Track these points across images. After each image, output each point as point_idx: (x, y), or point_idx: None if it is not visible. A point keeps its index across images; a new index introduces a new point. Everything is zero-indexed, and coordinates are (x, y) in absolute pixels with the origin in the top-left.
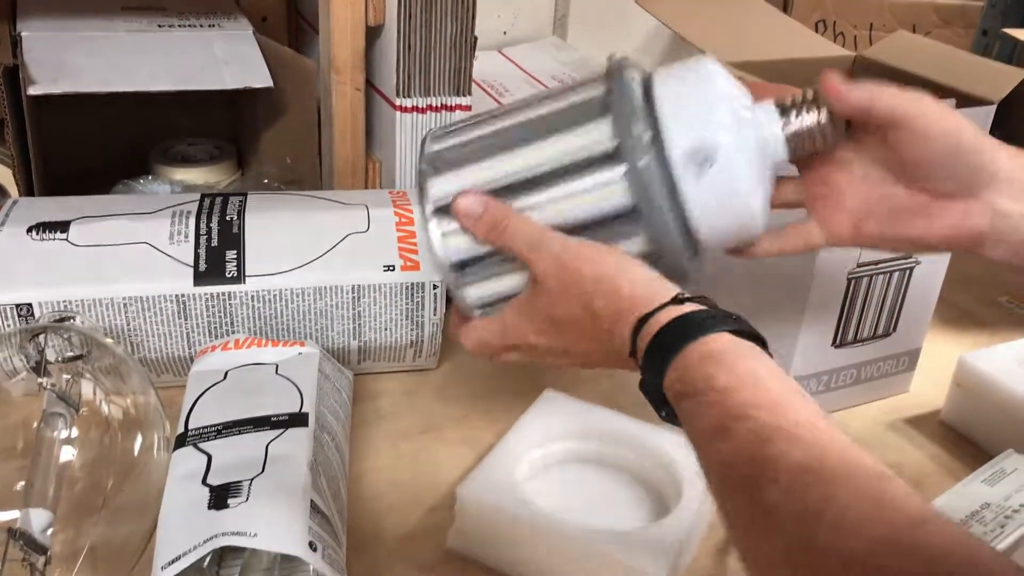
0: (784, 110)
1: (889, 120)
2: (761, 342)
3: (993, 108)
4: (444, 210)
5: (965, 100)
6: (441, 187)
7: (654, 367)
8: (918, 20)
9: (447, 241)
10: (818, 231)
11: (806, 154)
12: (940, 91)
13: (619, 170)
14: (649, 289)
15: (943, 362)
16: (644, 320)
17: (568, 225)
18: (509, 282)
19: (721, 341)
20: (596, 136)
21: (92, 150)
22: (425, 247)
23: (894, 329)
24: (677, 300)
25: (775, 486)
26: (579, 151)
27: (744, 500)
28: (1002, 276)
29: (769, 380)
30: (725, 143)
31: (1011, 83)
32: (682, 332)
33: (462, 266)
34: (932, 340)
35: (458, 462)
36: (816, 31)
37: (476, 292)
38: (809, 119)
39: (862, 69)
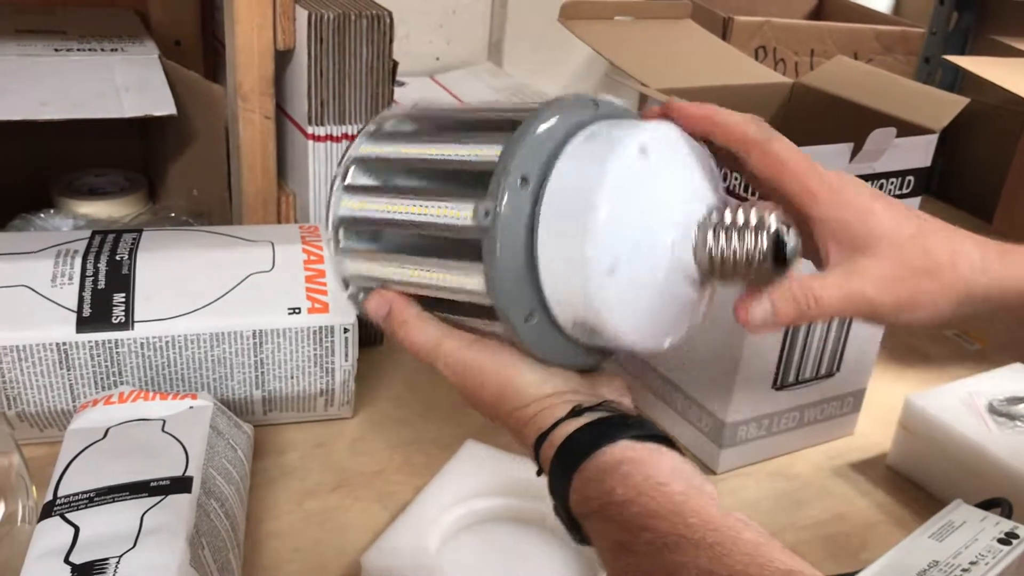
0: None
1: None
2: (665, 440)
3: (935, 137)
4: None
5: (907, 128)
6: (346, 203)
7: (558, 489)
8: (859, 47)
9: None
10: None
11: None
12: (881, 119)
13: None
14: (544, 404)
15: (889, 402)
16: (542, 440)
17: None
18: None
19: (618, 451)
20: (459, 215)
21: None
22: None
23: (838, 369)
24: (574, 413)
25: None
26: (447, 232)
27: None
28: None
29: (670, 483)
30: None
31: (953, 111)
32: (577, 448)
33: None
34: (877, 379)
35: (370, 523)
36: (756, 58)
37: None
38: (733, 250)
39: (801, 95)
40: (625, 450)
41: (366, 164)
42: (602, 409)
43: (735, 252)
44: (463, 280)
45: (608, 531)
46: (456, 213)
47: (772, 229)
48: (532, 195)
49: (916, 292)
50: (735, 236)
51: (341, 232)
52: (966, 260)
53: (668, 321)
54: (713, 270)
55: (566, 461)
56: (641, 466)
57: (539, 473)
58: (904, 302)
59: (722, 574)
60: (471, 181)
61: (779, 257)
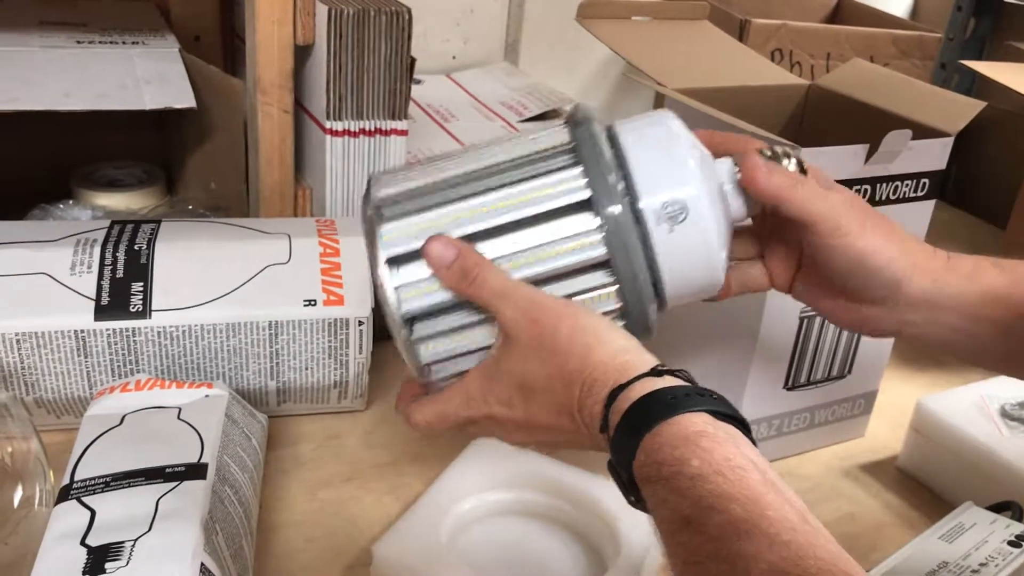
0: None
1: (800, 218)
2: (742, 425)
3: (951, 140)
4: (397, 260)
5: (922, 131)
6: (395, 234)
7: (624, 445)
8: (876, 51)
9: (401, 293)
10: (761, 274)
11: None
12: (897, 121)
13: (594, 220)
14: (624, 358)
15: (900, 405)
16: (617, 392)
17: (536, 277)
18: (470, 338)
19: (697, 422)
20: (568, 185)
21: (9, 172)
22: (371, 296)
23: (849, 371)
24: (655, 372)
25: None
26: (549, 199)
27: None
28: None
29: (748, 471)
30: (695, 199)
31: (969, 115)
32: (656, 409)
33: (415, 319)
34: (889, 382)
35: (382, 514)
36: (772, 60)
37: (431, 349)
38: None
39: (817, 97)
40: (707, 423)
41: (398, 224)
42: (681, 376)
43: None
44: (562, 184)
45: (673, 502)
46: (564, 185)
47: (796, 157)
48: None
49: (874, 218)
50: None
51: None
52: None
53: (724, 258)
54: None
55: (640, 418)
56: (721, 445)
57: (603, 429)
58: (865, 219)
59: (793, 574)
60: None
61: (803, 170)
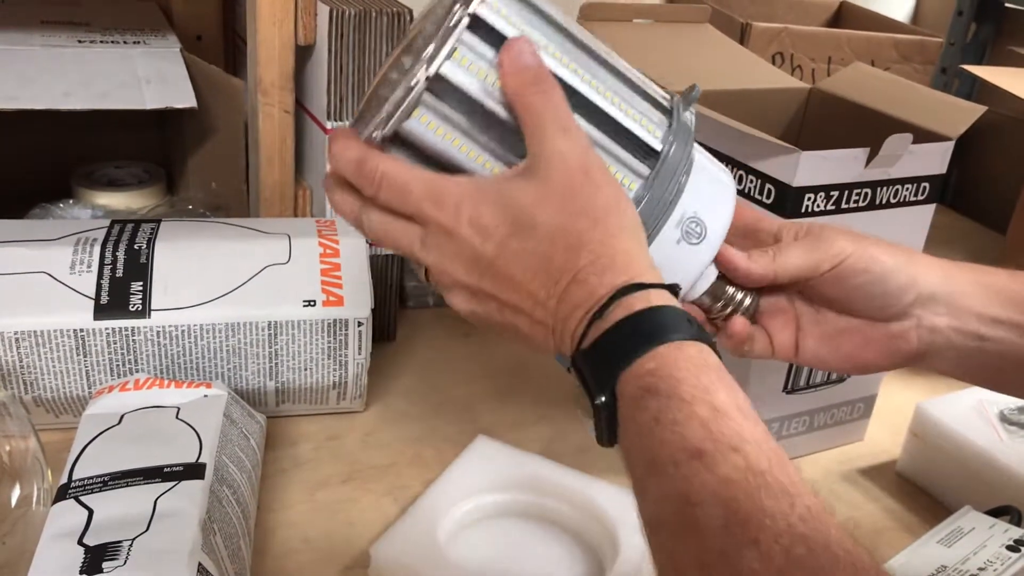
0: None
1: (798, 278)
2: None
3: (951, 144)
4: (478, 25)
5: (923, 136)
6: (501, 5)
7: (624, 345)
8: (877, 55)
9: (457, 53)
10: (764, 342)
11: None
12: (898, 125)
13: (645, 170)
14: (648, 260)
15: (900, 409)
16: (636, 287)
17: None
18: (470, 153)
19: (714, 356)
20: (649, 129)
21: (10, 171)
22: (371, 296)
23: (848, 374)
24: (672, 290)
25: (755, 549)
26: (633, 124)
27: (703, 546)
28: None
29: (759, 421)
30: (713, 234)
31: (970, 119)
32: (678, 324)
33: (442, 90)
34: (888, 386)
35: (380, 515)
36: (773, 63)
37: (423, 124)
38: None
39: (818, 101)
40: (720, 362)
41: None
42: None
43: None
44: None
45: (688, 429)
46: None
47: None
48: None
49: (861, 237)
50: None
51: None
52: None
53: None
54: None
55: (659, 326)
56: (741, 391)
57: (596, 315)
58: (851, 239)
59: (808, 553)
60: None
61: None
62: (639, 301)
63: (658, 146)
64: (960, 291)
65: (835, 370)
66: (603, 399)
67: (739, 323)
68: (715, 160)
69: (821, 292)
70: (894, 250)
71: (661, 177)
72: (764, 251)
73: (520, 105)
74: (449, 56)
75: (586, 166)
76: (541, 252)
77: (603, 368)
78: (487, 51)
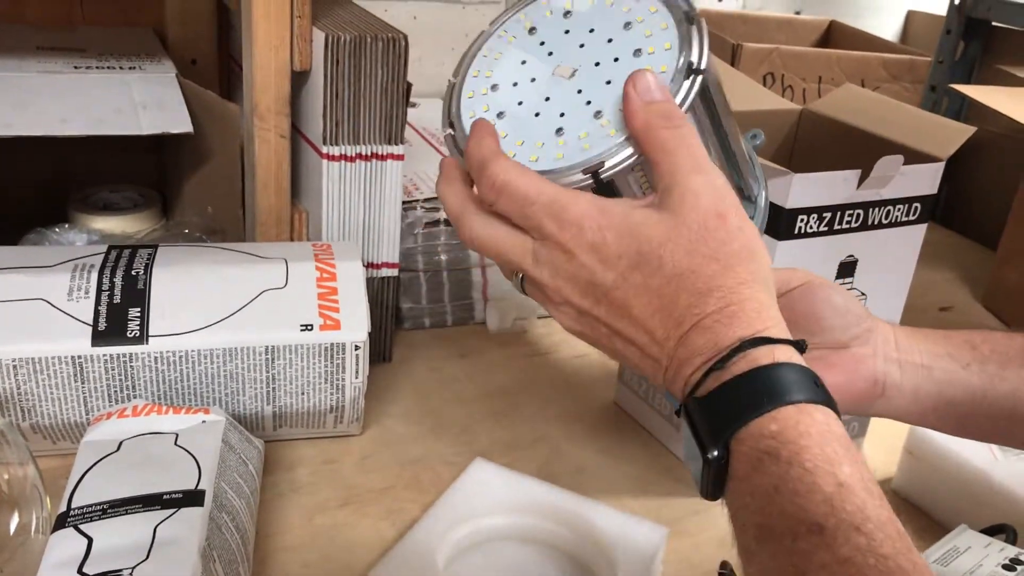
0: None
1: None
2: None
3: (942, 165)
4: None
5: (914, 156)
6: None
7: (745, 400)
8: (867, 74)
9: None
10: None
11: None
12: (888, 146)
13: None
14: (777, 312)
15: (894, 427)
16: (762, 341)
17: None
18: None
19: (836, 423)
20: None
21: (6, 195)
22: (367, 320)
23: None
24: (799, 346)
25: None
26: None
27: None
28: None
29: (884, 498)
30: None
31: (959, 140)
32: (804, 384)
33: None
34: None
35: (378, 539)
36: (764, 84)
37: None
38: None
39: (809, 122)
40: (843, 428)
41: None
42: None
43: None
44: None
45: (808, 500)
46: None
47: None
48: None
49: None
50: None
51: None
52: None
53: None
54: None
55: (784, 384)
56: (860, 459)
57: (717, 365)
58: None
59: None
60: None
61: None
62: (765, 356)
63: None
64: (909, 331)
65: None
66: (715, 453)
67: None
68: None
69: (795, 309)
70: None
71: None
72: None
73: (649, 141)
74: None
75: (721, 209)
76: (665, 291)
77: (719, 421)
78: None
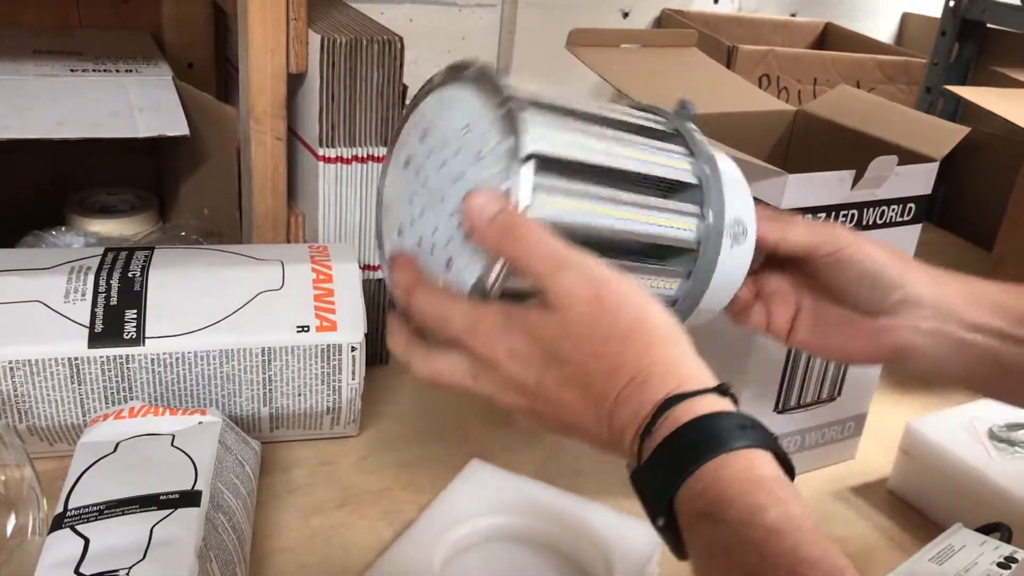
0: None
1: (799, 253)
2: (791, 469)
3: (936, 165)
4: (542, 162)
5: (908, 157)
6: (542, 133)
7: (671, 464)
8: (862, 76)
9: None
10: (760, 315)
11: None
12: (883, 147)
13: (694, 208)
14: (688, 365)
15: (890, 427)
16: (676, 400)
17: (632, 237)
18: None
19: (766, 463)
20: (681, 166)
21: (2, 198)
22: (364, 322)
23: (839, 393)
24: (721, 390)
25: None
26: (667, 170)
27: None
28: None
29: (817, 530)
30: (753, 224)
31: (953, 140)
32: (724, 434)
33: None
34: (878, 404)
35: (375, 540)
36: (760, 86)
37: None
38: None
39: (804, 123)
40: (775, 466)
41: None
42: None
43: None
44: (676, 162)
45: (739, 554)
46: (676, 164)
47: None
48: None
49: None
50: None
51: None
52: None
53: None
54: None
55: (705, 440)
56: (793, 497)
57: (643, 434)
58: (853, 235)
59: None
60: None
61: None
62: (685, 413)
63: (692, 178)
64: (947, 297)
65: (820, 355)
66: (661, 522)
67: (743, 290)
68: (724, 155)
69: (820, 277)
70: (890, 252)
71: (709, 198)
72: (774, 219)
73: (505, 257)
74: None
75: (596, 294)
76: (579, 380)
77: (657, 490)
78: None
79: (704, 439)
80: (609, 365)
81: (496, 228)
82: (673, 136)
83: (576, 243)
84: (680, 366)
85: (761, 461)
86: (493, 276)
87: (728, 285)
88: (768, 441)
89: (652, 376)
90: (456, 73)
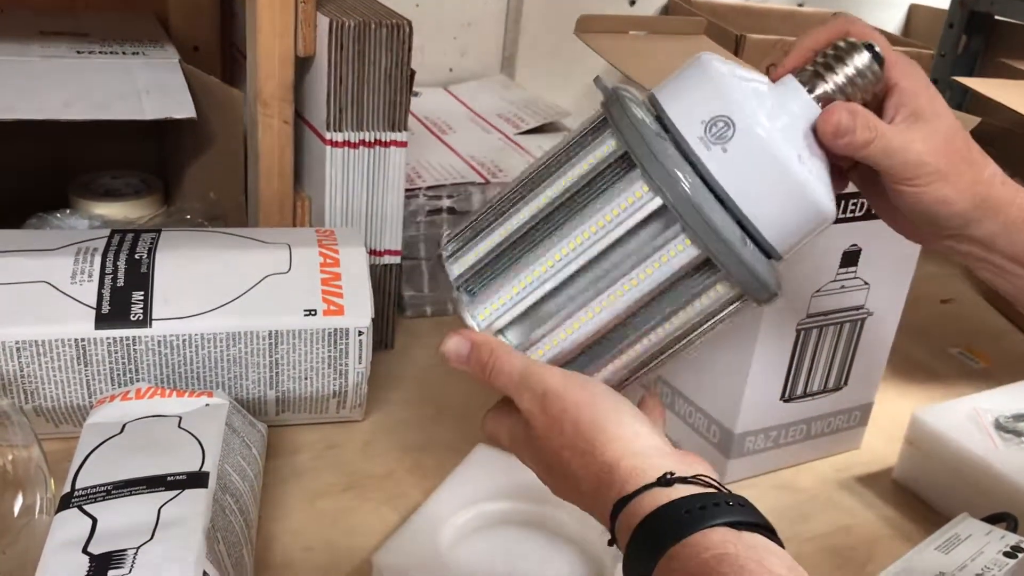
0: (807, 77)
1: (875, 168)
2: (768, 530)
3: None
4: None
5: None
6: (485, 313)
7: (641, 557)
8: None
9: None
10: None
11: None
12: None
13: (675, 227)
14: (632, 461)
15: (896, 417)
16: (621, 505)
17: (645, 296)
18: None
19: (716, 540)
20: (634, 194)
21: (7, 181)
22: (371, 305)
23: (845, 383)
24: (663, 481)
25: None
26: (626, 218)
27: None
28: (955, 327)
29: None
30: (737, 108)
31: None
32: (665, 528)
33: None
34: (884, 394)
35: (380, 524)
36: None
37: None
38: (839, 76)
39: None
40: (727, 540)
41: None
42: (698, 483)
43: (848, 76)
44: (671, 253)
45: None
46: (631, 199)
47: (862, 45)
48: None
49: (954, 168)
50: (840, 69)
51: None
52: (994, 170)
53: (812, 173)
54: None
55: (652, 540)
56: (744, 567)
57: (611, 542)
58: (942, 171)
59: None
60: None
61: (878, 58)
62: (633, 516)
63: (649, 200)
64: (1017, 240)
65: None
66: None
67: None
68: (681, 68)
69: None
70: (965, 193)
71: (660, 177)
72: (869, 130)
73: (491, 388)
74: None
75: (543, 407)
76: (574, 483)
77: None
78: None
79: (650, 539)
80: (575, 475)
81: (473, 365)
82: (613, 156)
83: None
84: (619, 467)
85: (709, 542)
86: None
87: (768, 185)
88: (722, 515)
89: (601, 484)
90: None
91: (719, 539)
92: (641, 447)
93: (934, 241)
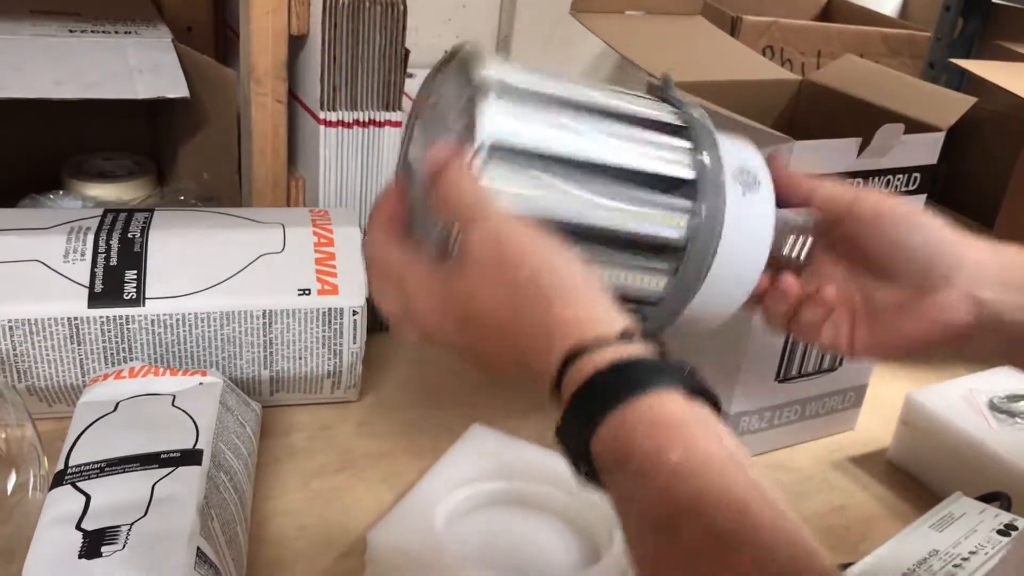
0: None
1: (835, 211)
2: (715, 402)
3: (942, 135)
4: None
5: (914, 126)
6: (500, 122)
7: (582, 416)
8: (866, 49)
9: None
10: (830, 336)
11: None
12: (889, 116)
13: (684, 203)
14: (591, 313)
15: (890, 398)
16: (579, 352)
17: (609, 230)
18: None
19: (673, 402)
20: (673, 158)
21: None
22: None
23: (840, 364)
24: (624, 336)
25: None
26: (651, 162)
27: None
28: None
29: (728, 464)
30: (765, 172)
31: (960, 110)
32: (624, 382)
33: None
34: (879, 375)
35: (375, 503)
36: (763, 57)
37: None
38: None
39: (809, 92)
40: (681, 405)
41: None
42: (652, 343)
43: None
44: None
45: (645, 501)
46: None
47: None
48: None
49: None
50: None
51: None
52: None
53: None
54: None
55: (606, 390)
56: (702, 435)
57: (555, 391)
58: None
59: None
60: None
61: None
62: (586, 367)
63: (690, 175)
64: (1010, 263)
65: (888, 353)
66: (584, 474)
67: (788, 280)
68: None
69: (863, 246)
70: (935, 221)
71: (710, 167)
72: (801, 178)
73: (434, 196)
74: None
75: (499, 253)
76: (490, 338)
77: (573, 445)
78: None
79: (604, 390)
80: (511, 328)
81: (434, 166)
82: (678, 128)
83: (551, 229)
84: (577, 318)
85: (664, 402)
86: (439, 228)
87: (752, 238)
88: (677, 379)
89: (552, 334)
90: (449, 58)
91: (675, 402)
92: (600, 302)
93: (954, 303)
